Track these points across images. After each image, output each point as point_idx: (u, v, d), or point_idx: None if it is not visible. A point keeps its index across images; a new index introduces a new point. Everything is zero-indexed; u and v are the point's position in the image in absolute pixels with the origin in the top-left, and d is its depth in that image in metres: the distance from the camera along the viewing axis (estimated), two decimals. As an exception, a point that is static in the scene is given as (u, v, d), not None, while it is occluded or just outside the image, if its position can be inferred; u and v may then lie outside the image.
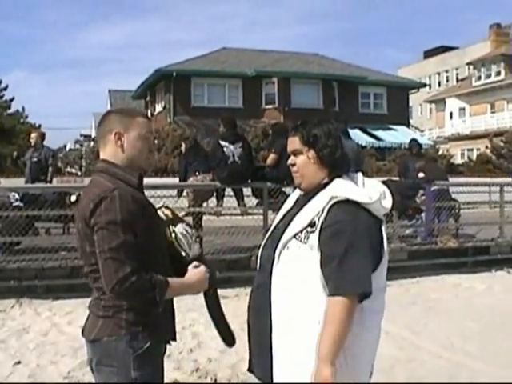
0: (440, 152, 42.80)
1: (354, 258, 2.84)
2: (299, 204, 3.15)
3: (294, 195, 3.33)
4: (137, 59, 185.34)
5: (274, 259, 3.03)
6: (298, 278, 2.93)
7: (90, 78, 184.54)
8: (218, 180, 10.31)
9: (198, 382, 5.96)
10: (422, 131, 56.54)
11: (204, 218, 10.97)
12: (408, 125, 46.58)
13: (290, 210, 3.23)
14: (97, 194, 2.89)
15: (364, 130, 41.52)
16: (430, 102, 66.18)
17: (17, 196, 10.53)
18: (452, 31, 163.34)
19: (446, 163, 36.73)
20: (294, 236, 2.98)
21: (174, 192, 11.65)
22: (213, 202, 11.52)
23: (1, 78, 51.18)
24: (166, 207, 3.40)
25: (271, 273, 3.03)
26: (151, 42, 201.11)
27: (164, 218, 3.28)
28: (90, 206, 2.87)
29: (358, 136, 39.19)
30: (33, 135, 13.59)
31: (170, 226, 3.25)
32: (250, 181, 10.51)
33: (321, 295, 2.87)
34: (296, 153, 3.15)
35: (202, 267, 3.16)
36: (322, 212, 2.93)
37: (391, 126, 43.00)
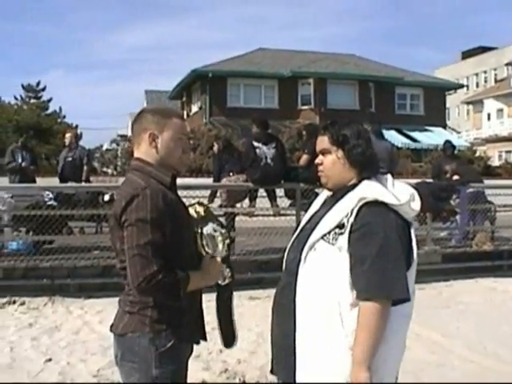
0: (477, 154, 42.31)
1: (387, 261, 2.81)
2: (327, 205, 3.12)
3: (322, 196, 3.30)
4: (172, 60, 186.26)
5: (300, 260, 3.00)
6: (325, 279, 2.90)
7: (126, 79, 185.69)
8: (250, 181, 10.30)
9: (225, 383, 5.95)
10: (459, 133, 55.96)
11: (237, 218, 10.97)
12: (445, 126, 46.14)
13: (317, 211, 3.19)
14: (129, 191, 2.93)
15: (400, 131, 41.23)
16: (468, 103, 65.62)
17: (51, 195, 10.63)
18: (490, 31, 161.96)
19: (483, 165, 36.31)
20: (322, 237, 2.94)
21: (207, 192, 11.65)
22: (246, 202, 11.50)
23: (39, 80, 51.87)
24: (201, 203, 3.39)
25: (297, 274, 3.00)
26: (187, 43, 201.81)
27: (195, 215, 3.27)
28: (121, 204, 2.91)
29: (393, 137, 38.93)
30: (67, 135, 13.71)
31: (199, 225, 3.23)
32: (282, 182, 10.49)
33: (348, 298, 2.84)
34: (324, 152, 3.13)
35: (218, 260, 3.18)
36: (351, 213, 2.89)
37: (428, 128, 42.63)
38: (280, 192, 11.25)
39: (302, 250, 3.00)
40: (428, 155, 36.08)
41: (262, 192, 11.30)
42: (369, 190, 2.95)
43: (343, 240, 2.87)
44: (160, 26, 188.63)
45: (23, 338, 7.32)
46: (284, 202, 11.10)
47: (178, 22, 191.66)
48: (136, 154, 3.14)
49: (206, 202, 10.57)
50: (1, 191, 11.15)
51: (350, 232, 2.86)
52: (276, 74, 41.60)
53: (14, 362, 6.49)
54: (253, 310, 8.21)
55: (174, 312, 2.97)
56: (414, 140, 40.73)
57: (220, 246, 3.24)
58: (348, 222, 2.89)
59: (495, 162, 46.39)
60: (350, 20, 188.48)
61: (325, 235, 2.94)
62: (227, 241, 3.31)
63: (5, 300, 9.05)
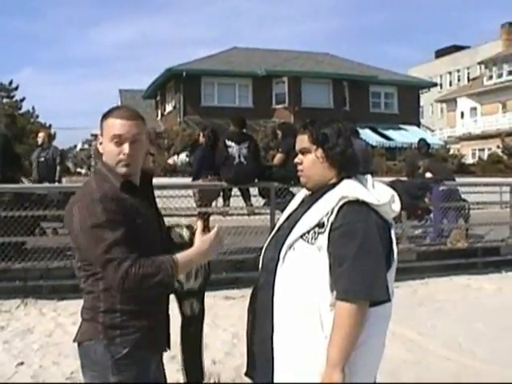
0: (451, 152, 42.61)
1: (367, 261, 2.76)
2: (305, 204, 3.06)
3: (300, 195, 3.24)
4: (148, 58, 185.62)
5: (278, 260, 2.94)
6: (304, 279, 2.84)
7: (101, 77, 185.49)
8: (223, 180, 10.26)
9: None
10: (432, 131, 56.37)
11: (211, 218, 10.91)
12: (419, 124, 46.47)
13: (295, 210, 3.14)
14: (78, 197, 2.89)
15: (374, 130, 41.43)
16: (441, 101, 65.98)
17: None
18: (464, 30, 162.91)
19: (457, 163, 36.52)
20: (301, 236, 2.88)
21: (181, 192, 11.54)
22: (219, 201, 11.45)
23: (12, 78, 51.44)
24: (188, 227, 3.24)
25: (275, 274, 2.94)
26: (163, 41, 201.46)
27: (178, 239, 3.17)
28: (71, 209, 2.85)
29: (368, 136, 39.07)
30: (40, 135, 13.58)
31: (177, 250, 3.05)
32: (256, 181, 10.46)
33: (327, 299, 2.78)
34: (304, 151, 3.07)
35: (211, 234, 2.98)
36: (332, 212, 2.84)
37: (402, 126, 42.90)
38: (254, 191, 11.20)
39: (281, 249, 2.94)
40: (402, 153, 36.23)
41: (236, 191, 11.24)
42: (349, 189, 2.90)
43: (323, 239, 2.82)
44: (138, 24, 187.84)
45: (-5, 342, 7.18)
46: (258, 201, 11.07)
47: (156, 19, 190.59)
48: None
49: (179, 202, 10.54)
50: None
51: (330, 231, 2.81)
52: (250, 73, 41.64)
53: (-15, 366, 6.37)
54: (228, 309, 8.17)
55: (129, 317, 2.87)
56: (388, 138, 40.97)
57: (193, 276, 3.16)
58: (328, 220, 2.83)
59: (469, 160, 46.64)
60: (324, 18, 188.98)
61: (304, 234, 2.88)
62: (206, 272, 3.22)
63: (-24, 303, 8.90)
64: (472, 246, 12.14)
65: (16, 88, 51.95)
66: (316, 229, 2.86)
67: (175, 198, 10.57)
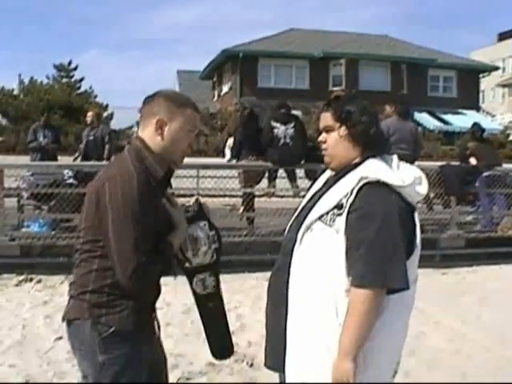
0: (511, 137, 41.77)
1: (385, 246, 2.63)
2: (328, 184, 2.95)
3: (325, 175, 3.11)
4: (206, 40, 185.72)
5: (295, 241, 2.84)
6: (320, 262, 2.73)
7: (161, 58, 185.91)
8: (269, 161, 10.18)
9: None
10: (493, 116, 55.25)
11: (256, 199, 10.86)
12: (478, 109, 45.69)
13: (319, 190, 3.02)
14: (114, 172, 2.80)
15: (432, 114, 40.95)
16: (503, 86, 64.63)
17: (70, 173, 10.57)
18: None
19: (516, 149, 35.86)
20: (320, 218, 2.78)
21: (226, 172, 11.50)
22: (264, 183, 11.38)
23: (71, 59, 52.17)
24: (197, 200, 3.20)
25: (292, 255, 2.84)
26: (222, 22, 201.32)
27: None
28: (102, 183, 2.77)
29: (425, 120, 38.71)
30: (89, 114, 13.68)
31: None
32: (303, 162, 10.37)
33: (343, 284, 2.67)
34: (327, 129, 2.95)
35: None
36: (351, 193, 2.72)
37: (460, 111, 42.27)
38: (300, 172, 11.10)
39: (299, 230, 2.84)
40: (460, 138, 35.63)
41: (281, 172, 11.16)
42: (371, 169, 2.77)
43: (341, 221, 2.70)
44: (198, 6, 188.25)
45: (36, 316, 7.30)
46: (304, 183, 10.94)
47: (218, 2, 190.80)
48: (140, 134, 2.98)
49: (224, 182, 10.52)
50: (22, 169, 11.15)
51: (348, 213, 2.69)
52: (307, 55, 41.54)
53: (24, 339, 6.48)
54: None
55: (115, 297, 2.81)
56: (446, 123, 40.46)
57: (202, 249, 3.06)
58: (347, 202, 2.72)
59: (529, 146, 45.63)
60: (384, 2, 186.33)
61: (322, 216, 2.78)
62: (214, 245, 3.11)
63: (22, 278, 9.06)
64: (524, 234, 11.75)
65: (75, 68, 52.72)
66: (335, 210, 2.75)
67: (220, 179, 10.55)
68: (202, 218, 3.12)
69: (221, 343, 3.31)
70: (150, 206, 2.76)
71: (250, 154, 10.67)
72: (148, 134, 2.93)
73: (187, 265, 3.07)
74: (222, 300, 3.27)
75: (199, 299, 3.22)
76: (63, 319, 2.96)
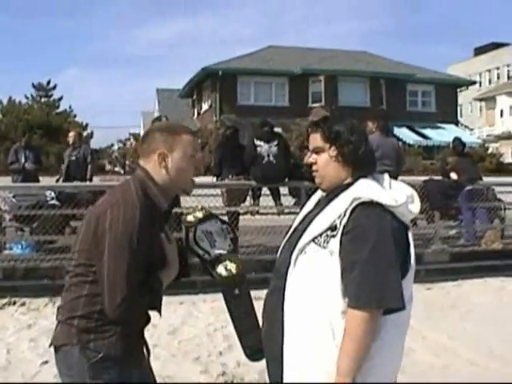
0: (490, 151, 42.11)
1: (379, 267, 2.62)
2: (320, 205, 2.93)
3: (316, 195, 3.10)
4: (185, 57, 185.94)
5: (289, 263, 2.82)
6: (315, 285, 2.71)
7: (140, 76, 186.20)
8: (253, 179, 10.18)
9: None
10: (471, 130, 55.72)
11: (240, 217, 10.84)
12: (457, 123, 46.01)
13: (310, 212, 3.00)
14: (117, 201, 2.79)
15: (411, 129, 41.19)
16: (480, 99, 65.32)
17: (53, 194, 10.51)
18: (503, 27, 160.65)
19: (496, 162, 36.15)
20: (313, 240, 2.76)
21: (210, 191, 11.48)
22: (248, 201, 11.36)
23: (50, 78, 52.10)
24: (202, 208, 3.28)
25: (286, 278, 2.83)
26: (202, 40, 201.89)
27: (192, 219, 3.17)
28: (104, 209, 2.78)
29: (405, 134, 38.90)
30: (71, 134, 13.63)
31: (194, 227, 3.12)
32: (286, 179, 10.38)
33: (339, 306, 2.65)
34: (317, 151, 2.95)
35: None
36: (344, 214, 2.70)
37: (439, 125, 42.56)
38: (284, 190, 11.09)
39: (293, 252, 2.83)
40: (440, 152, 35.87)
41: (265, 190, 11.16)
42: (364, 189, 2.76)
43: (335, 243, 2.69)
44: (178, 23, 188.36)
45: (21, 340, 7.21)
46: (288, 201, 10.95)
47: (197, 20, 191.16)
48: (143, 166, 2.96)
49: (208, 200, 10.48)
50: (3, 191, 11.08)
51: (342, 234, 2.68)
52: (286, 72, 41.72)
53: (9, 364, 6.40)
54: (257, 310, 8.05)
55: (104, 323, 2.79)
56: (425, 137, 40.72)
57: (219, 240, 3.13)
58: (340, 223, 2.70)
59: (508, 159, 46.08)
60: (361, 17, 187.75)
61: (316, 238, 2.76)
62: (229, 235, 3.21)
63: (5, 301, 8.94)
64: (507, 247, 11.75)
65: (54, 87, 52.65)
66: (328, 232, 2.73)
67: (204, 197, 10.52)
68: (212, 218, 3.23)
69: (253, 341, 3.22)
70: (147, 238, 2.76)
71: (230, 172, 10.66)
72: (152, 168, 2.92)
73: (206, 256, 3.11)
74: (248, 289, 3.28)
75: (225, 286, 3.22)
76: (50, 345, 2.94)
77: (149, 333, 6.81)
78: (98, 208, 2.85)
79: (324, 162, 2.92)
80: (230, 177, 10.54)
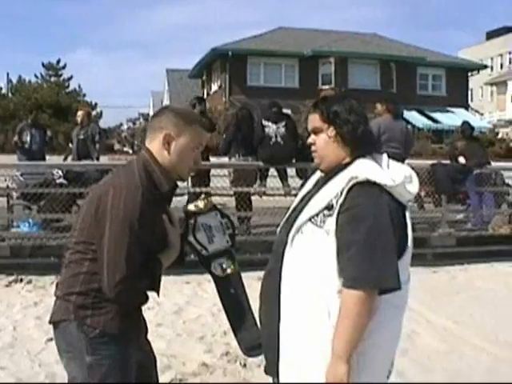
0: (500, 135, 41.90)
1: (375, 247, 2.60)
2: (318, 185, 2.92)
3: (316, 176, 3.08)
4: (196, 39, 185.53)
5: (286, 243, 2.81)
6: (311, 265, 2.71)
7: (150, 57, 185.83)
8: (260, 160, 10.18)
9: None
10: (481, 114, 55.45)
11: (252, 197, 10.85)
12: (467, 107, 45.78)
13: (309, 192, 2.99)
14: (120, 182, 2.80)
15: (421, 112, 41.01)
16: (491, 84, 64.88)
17: (60, 173, 10.53)
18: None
19: (505, 147, 35.96)
20: (310, 219, 2.75)
21: (217, 171, 11.47)
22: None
23: (59, 58, 52.04)
24: (203, 198, 3.27)
25: (283, 258, 2.82)
26: (211, 21, 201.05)
27: (193, 209, 3.17)
28: (107, 190, 2.78)
29: (414, 118, 38.74)
30: (79, 113, 13.48)
31: (194, 218, 3.12)
32: (294, 160, 10.36)
33: (335, 286, 2.64)
34: (316, 131, 2.92)
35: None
36: (341, 194, 2.69)
37: (449, 109, 42.34)
38: (291, 171, 11.08)
39: (289, 232, 2.82)
40: (449, 136, 35.79)
41: (272, 171, 11.13)
42: (361, 169, 2.74)
43: (331, 222, 2.67)
44: (189, 6, 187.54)
45: (27, 317, 7.25)
46: (295, 182, 10.90)
47: (208, 2, 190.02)
48: (147, 146, 2.98)
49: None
50: (11, 169, 11.09)
51: (338, 214, 2.67)
52: (297, 53, 41.53)
53: (15, 340, 6.43)
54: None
55: (101, 300, 2.80)
56: (435, 121, 40.53)
57: (217, 236, 3.12)
58: (337, 203, 2.69)
59: (518, 144, 45.81)
60: (372, 2, 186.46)
61: (312, 217, 2.74)
62: (228, 231, 3.19)
63: (12, 278, 9.00)
64: (515, 231, 11.74)
65: (64, 67, 52.55)
66: (325, 211, 2.72)
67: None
68: (213, 210, 3.21)
69: (249, 337, 3.25)
70: (148, 220, 2.77)
71: (237, 152, 10.60)
72: (155, 147, 2.93)
73: (204, 252, 3.11)
74: (243, 287, 3.30)
75: (221, 285, 3.26)
76: (50, 321, 2.97)
77: (153, 311, 6.91)
78: (100, 188, 2.87)
79: (323, 143, 2.90)
80: (237, 156, 10.49)
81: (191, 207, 3.19)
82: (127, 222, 2.69)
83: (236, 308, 3.27)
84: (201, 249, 3.10)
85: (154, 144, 2.93)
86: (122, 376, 2.87)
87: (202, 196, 3.32)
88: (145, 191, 2.75)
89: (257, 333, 3.16)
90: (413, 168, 2.95)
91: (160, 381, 5.19)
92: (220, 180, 10.93)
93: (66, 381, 3.00)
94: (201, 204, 3.20)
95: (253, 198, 11.01)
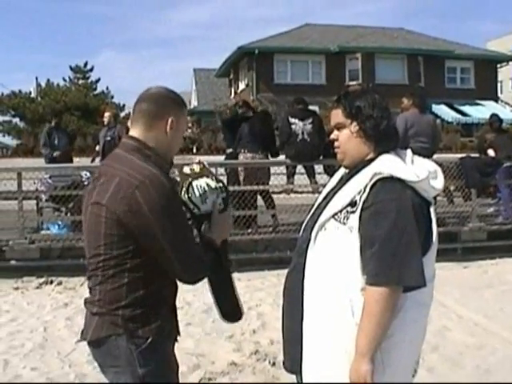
0: (530, 128, 41.42)
1: (399, 243, 2.56)
2: (342, 182, 2.89)
3: (340, 172, 3.06)
4: (222, 37, 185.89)
5: (309, 240, 2.79)
6: (334, 262, 2.68)
7: (176, 57, 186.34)
8: (287, 157, 10.17)
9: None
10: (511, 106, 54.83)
11: (274, 196, 10.80)
12: (497, 100, 45.29)
13: (333, 189, 2.96)
14: (136, 177, 2.65)
15: (450, 106, 40.65)
16: (522, 76, 64.08)
17: (88, 174, 10.58)
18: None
19: (536, 139, 35.49)
20: (333, 216, 2.73)
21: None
22: (283, 179, 11.36)
23: (87, 60, 52.48)
24: (198, 162, 3.24)
25: (306, 255, 2.80)
26: (237, 20, 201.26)
27: (189, 172, 3.13)
28: (127, 190, 2.63)
29: (443, 112, 38.43)
30: (106, 114, 13.60)
31: (189, 179, 3.09)
32: (321, 157, 10.31)
33: (358, 283, 2.62)
34: (339, 127, 2.89)
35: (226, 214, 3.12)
36: (364, 190, 2.66)
37: (479, 102, 41.91)
38: (319, 168, 11.02)
39: (313, 229, 2.80)
40: (479, 130, 35.40)
41: (300, 168, 11.09)
42: (385, 164, 2.71)
43: (354, 219, 2.65)
44: (214, 4, 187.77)
45: (57, 318, 7.34)
46: (323, 179, 10.87)
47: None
48: (132, 133, 2.86)
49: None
50: (39, 172, 11.19)
51: (362, 210, 2.64)
52: (323, 50, 41.41)
53: (46, 341, 6.52)
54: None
55: (148, 308, 2.74)
56: (464, 114, 40.15)
57: (211, 198, 3.07)
58: (360, 199, 2.66)
59: (549, 136, 45.22)
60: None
61: (336, 214, 2.72)
62: (222, 195, 3.13)
63: (42, 280, 9.13)
64: (547, 225, 11.58)
65: (91, 69, 52.98)
66: (348, 208, 2.70)
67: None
68: (208, 174, 3.18)
69: (227, 307, 3.31)
70: (181, 203, 2.84)
71: (245, 147, 10.49)
72: (155, 133, 2.83)
73: (196, 211, 3.07)
74: (227, 256, 3.29)
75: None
76: (85, 339, 2.83)
77: (183, 310, 6.92)
78: (111, 203, 2.67)
79: (345, 138, 2.87)
80: (243, 151, 10.45)
81: (186, 170, 3.15)
82: (171, 210, 2.67)
83: (218, 277, 3.23)
84: (193, 207, 3.06)
85: (155, 129, 2.83)
86: (172, 377, 2.89)
87: (198, 160, 3.30)
88: (164, 177, 2.71)
89: (236, 300, 3.24)
90: (441, 163, 2.91)
91: (189, 380, 5.27)
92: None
93: (96, 381, 2.97)
94: (196, 168, 3.17)
95: (281, 195, 11.00)
